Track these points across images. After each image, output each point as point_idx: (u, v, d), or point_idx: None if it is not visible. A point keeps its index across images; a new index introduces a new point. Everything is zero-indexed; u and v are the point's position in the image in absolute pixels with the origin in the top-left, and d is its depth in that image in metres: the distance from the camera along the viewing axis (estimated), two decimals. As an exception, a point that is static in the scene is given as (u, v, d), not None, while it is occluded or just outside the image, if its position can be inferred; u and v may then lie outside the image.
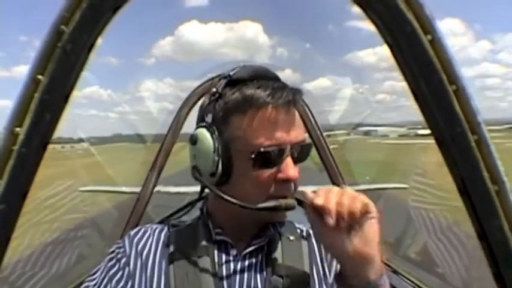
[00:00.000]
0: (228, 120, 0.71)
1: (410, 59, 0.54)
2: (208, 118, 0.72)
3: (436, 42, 0.53)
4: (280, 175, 0.70)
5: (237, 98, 0.70)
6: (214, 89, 0.73)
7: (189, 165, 0.76)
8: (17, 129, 0.57)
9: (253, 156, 0.68)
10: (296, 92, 0.72)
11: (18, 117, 0.57)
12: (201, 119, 0.75)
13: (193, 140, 0.73)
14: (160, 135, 1.91)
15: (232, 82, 0.73)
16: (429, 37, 0.52)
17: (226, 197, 0.69)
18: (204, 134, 0.71)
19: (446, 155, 0.56)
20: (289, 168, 0.70)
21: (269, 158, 0.69)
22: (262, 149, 0.68)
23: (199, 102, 0.84)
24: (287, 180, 0.71)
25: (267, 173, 0.70)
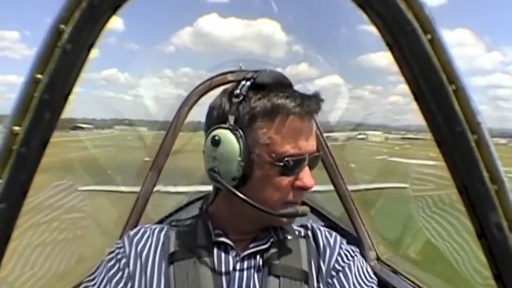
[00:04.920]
0: (253, 125, 0.71)
1: (410, 59, 0.54)
2: (231, 120, 0.71)
3: (436, 42, 0.52)
4: (298, 183, 0.72)
5: (265, 104, 0.70)
6: (238, 91, 0.72)
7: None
8: (17, 128, 0.57)
9: (278, 163, 0.69)
10: (320, 101, 0.73)
11: (17, 116, 0.57)
12: (219, 120, 0.73)
13: (216, 141, 0.70)
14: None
15: (256, 86, 0.73)
16: (429, 37, 0.52)
17: (252, 202, 0.69)
18: (229, 136, 0.70)
19: (445, 155, 0.56)
20: (307, 177, 0.73)
21: (292, 166, 0.70)
22: (287, 158, 0.69)
23: (199, 101, 0.84)
24: (304, 188, 0.73)
25: (287, 180, 0.72)
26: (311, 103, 0.72)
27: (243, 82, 0.73)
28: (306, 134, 0.72)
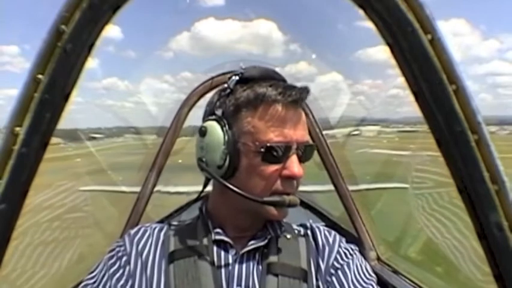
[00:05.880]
0: (238, 115, 0.72)
1: (411, 59, 0.54)
2: (219, 112, 0.73)
3: (436, 42, 0.52)
4: (285, 172, 0.72)
5: (248, 94, 0.72)
6: (225, 85, 0.75)
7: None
8: (17, 128, 0.57)
9: (261, 150, 0.69)
10: (304, 91, 0.74)
11: (18, 116, 0.57)
12: (210, 113, 0.76)
13: (202, 132, 0.73)
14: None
15: (244, 80, 0.74)
16: (429, 37, 0.52)
17: (233, 188, 0.70)
18: (214, 126, 0.72)
19: (446, 155, 0.56)
20: (295, 166, 0.72)
21: (276, 154, 0.70)
22: (270, 144, 0.69)
23: (199, 102, 0.85)
24: (292, 177, 0.73)
25: (273, 168, 0.72)
26: (294, 92, 0.72)
27: (233, 77, 0.75)
28: (291, 122, 0.72)
